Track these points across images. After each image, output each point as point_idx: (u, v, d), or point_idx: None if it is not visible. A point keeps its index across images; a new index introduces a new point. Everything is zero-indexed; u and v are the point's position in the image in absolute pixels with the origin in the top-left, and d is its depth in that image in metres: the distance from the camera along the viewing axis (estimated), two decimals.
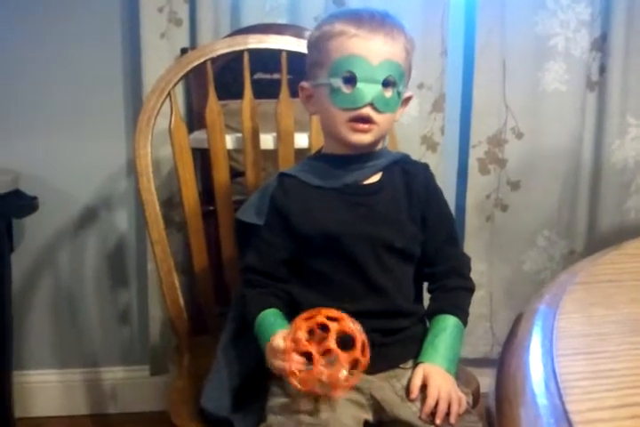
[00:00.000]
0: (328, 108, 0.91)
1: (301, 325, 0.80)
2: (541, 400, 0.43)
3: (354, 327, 0.80)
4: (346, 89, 0.89)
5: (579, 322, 0.55)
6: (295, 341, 0.80)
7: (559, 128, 1.75)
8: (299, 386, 0.80)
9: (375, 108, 0.89)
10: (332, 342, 0.78)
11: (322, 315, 0.80)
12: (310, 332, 0.80)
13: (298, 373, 0.79)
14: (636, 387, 0.45)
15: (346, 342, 0.80)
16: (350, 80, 0.89)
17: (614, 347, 0.51)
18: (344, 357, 0.78)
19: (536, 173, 1.76)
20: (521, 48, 1.70)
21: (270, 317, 0.91)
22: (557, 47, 1.71)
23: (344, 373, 0.78)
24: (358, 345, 0.79)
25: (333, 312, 0.81)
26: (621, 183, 1.78)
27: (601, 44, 1.72)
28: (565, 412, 0.40)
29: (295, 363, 0.79)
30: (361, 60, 0.88)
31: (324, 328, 0.79)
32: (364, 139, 0.91)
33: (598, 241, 1.77)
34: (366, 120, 0.90)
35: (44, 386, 1.73)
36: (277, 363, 0.83)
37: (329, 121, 0.93)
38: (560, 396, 0.42)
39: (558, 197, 1.78)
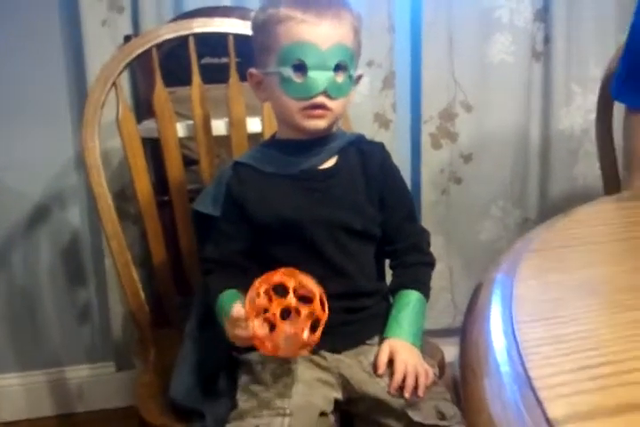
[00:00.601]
0: (280, 96, 0.90)
1: (259, 286, 0.79)
2: (504, 368, 0.43)
3: (311, 283, 0.80)
4: (297, 78, 0.87)
5: (536, 288, 0.56)
6: (253, 303, 0.79)
7: (507, 99, 1.77)
8: (263, 349, 0.79)
9: (328, 96, 0.88)
10: (291, 298, 0.78)
11: (278, 274, 0.80)
12: (267, 292, 0.79)
13: (260, 335, 0.78)
14: (594, 349, 0.46)
15: (304, 297, 0.80)
16: (300, 68, 0.87)
17: (571, 311, 0.52)
18: (305, 312, 0.78)
19: (487, 145, 1.79)
20: (467, 21, 1.71)
21: (230, 295, 0.90)
22: (502, 19, 1.73)
23: (306, 332, 0.78)
24: (316, 299, 0.79)
25: (289, 270, 0.81)
26: (569, 150, 1.82)
27: (544, 15, 1.75)
28: (528, 378, 0.41)
29: (257, 327, 0.78)
30: (310, 47, 0.86)
31: (283, 289, 0.79)
32: (319, 124, 0.90)
33: (550, 208, 1.81)
34: (320, 107, 0.89)
35: (6, 391, 1.69)
36: (238, 332, 0.81)
37: (282, 109, 0.92)
38: (522, 363, 0.43)
39: (510, 167, 1.81)
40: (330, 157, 0.96)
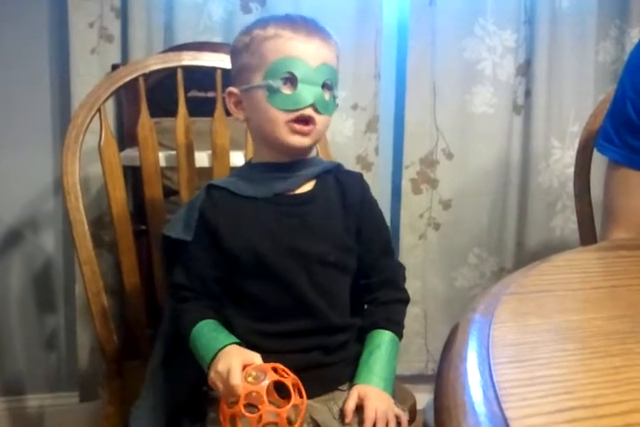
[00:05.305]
0: (266, 110, 0.88)
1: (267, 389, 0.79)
2: (481, 408, 0.43)
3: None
4: (286, 90, 0.87)
5: (513, 331, 0.56)
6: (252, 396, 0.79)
7: (488, 150, 1.80)
8: None
9: (316, 110, 0.87)
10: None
11: (291, 379, 0.81)
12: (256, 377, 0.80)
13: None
14: (570, 393, 0.45)
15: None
16: (290, 81, 0.87)
17: (548, 354, 0.52)
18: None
19: (466, 193, 1.81)
20: (450, 72, 1.75)
21: (210, 325, 0.88)
22: (485, 72, 1.77)
23: None
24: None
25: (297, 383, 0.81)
26: (547, 203, 1.84)
27: (526, 70, 1.80)
28: (504, 419, 0.41)
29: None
30: (301, 62, 0.87)
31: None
32: (304, 141, 0.89)
33: (526, 258, 1.82)
34: (307, 121, 0.88)
35: None
36: (223, 390, 0.80)
37: (266, 124, 0.89)
38: (499, 403, 0.42)
39: (488, 216, 1.83)
40: (306, 181, 0.93)
